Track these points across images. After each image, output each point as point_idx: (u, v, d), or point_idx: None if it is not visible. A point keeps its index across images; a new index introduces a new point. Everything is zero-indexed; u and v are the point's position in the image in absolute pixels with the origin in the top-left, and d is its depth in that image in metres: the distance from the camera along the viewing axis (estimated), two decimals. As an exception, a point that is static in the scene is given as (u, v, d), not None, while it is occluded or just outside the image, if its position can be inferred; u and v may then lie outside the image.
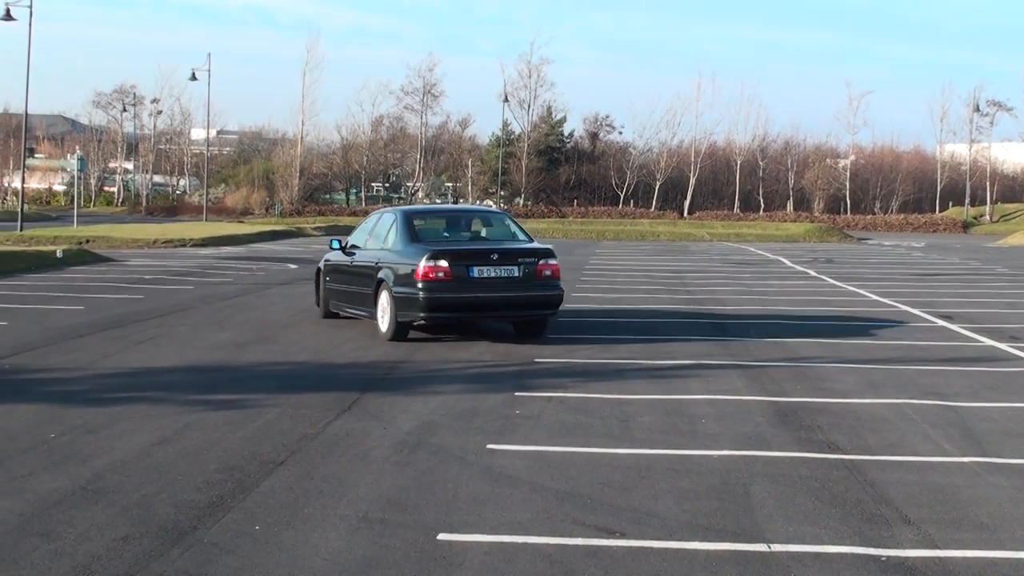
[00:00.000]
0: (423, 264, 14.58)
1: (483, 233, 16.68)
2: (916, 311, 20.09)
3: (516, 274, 15.01)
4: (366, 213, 71.76)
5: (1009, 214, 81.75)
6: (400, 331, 14.96)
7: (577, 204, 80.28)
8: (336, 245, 17.41)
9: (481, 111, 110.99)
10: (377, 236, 16.49)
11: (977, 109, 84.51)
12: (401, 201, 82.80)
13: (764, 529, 6.83)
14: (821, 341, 15.72)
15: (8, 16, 43.67)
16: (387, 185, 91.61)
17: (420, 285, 14.53)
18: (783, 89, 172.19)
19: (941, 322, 18.40)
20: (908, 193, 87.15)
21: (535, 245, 15.98)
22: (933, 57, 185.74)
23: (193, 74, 64.09)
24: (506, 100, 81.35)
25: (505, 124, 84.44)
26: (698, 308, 20.44)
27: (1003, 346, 15.41)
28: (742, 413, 10.41)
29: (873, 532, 6.80)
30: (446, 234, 16.51)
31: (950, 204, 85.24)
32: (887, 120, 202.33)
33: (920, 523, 6.99)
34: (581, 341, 15.45)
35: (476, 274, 14.81)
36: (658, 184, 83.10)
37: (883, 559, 6.31)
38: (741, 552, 6.41)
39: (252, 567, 6.04)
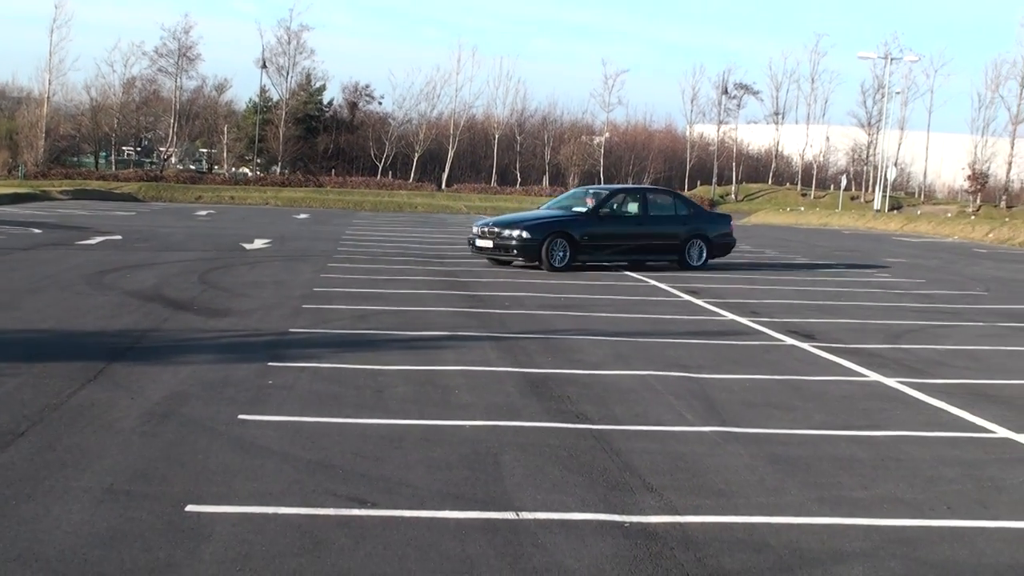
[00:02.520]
0: None
1: None
2: (663, 286, 20.73)
3: None
4: (116, 178, 69.94)
5: (753, 193, 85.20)
6: None
7: (335, 174, 79.68)
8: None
9: (238, 76, 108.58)
10: None
11: (725, 92, 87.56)
12: (154, 166, 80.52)
13: (513, 497, 6.96)
14: (573, 314, 16.07)
15: None
16: (139, 149, 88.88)
17: None
18: (542, 65, 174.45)
19: (687, 296, 19.04)
20: (659, 171, 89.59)
21: None
22: (686, 39, 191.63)
23: (-70, 26, 60.73)
24: (264, 66, 79.98)
25: (263, 90, 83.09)
26: (453, 280, 20.61)
27: (744, 320, 16.06)
28: (494, 384, 10.56)
29: (617, 499, 7.00)
30: None
31: (698, 183, 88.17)
32: (641, 99, 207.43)
33: (662, 490, 7.23)
34: (337, 312, 15.38)
35: None
36: (417, 156, 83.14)
37: (626, 525, 6.52)
38: (490, 520, 6.52)
39: (-12, 542, 5.83)
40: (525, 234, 23.23)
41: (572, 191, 27.76)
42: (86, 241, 26.81)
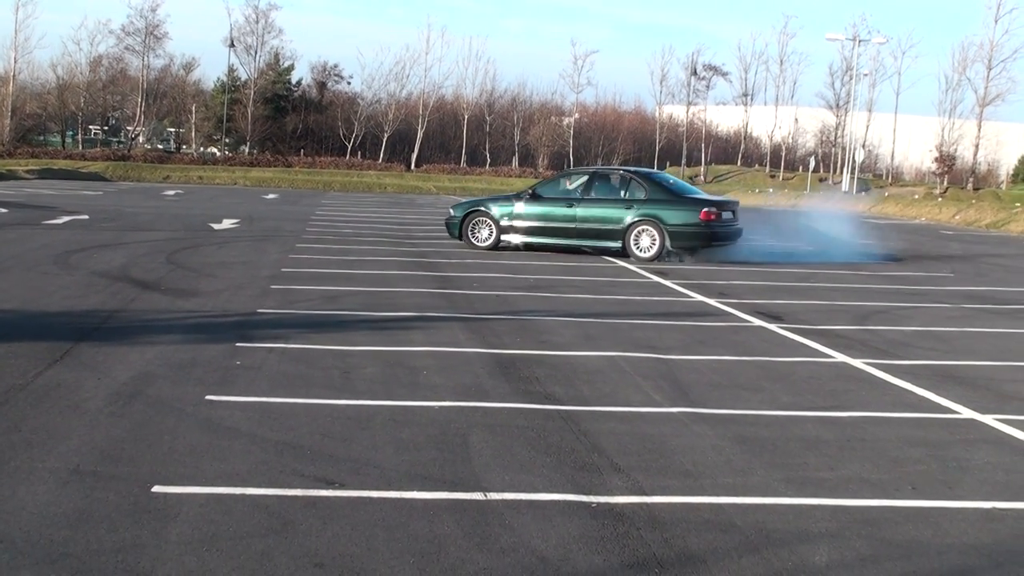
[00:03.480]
0: None
1: None
2: (632, 267, 20.76)
3: None
4: (83, 157, 69.38)
5: (722, 175, 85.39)
6: None
7: (304, 154, 79.37)
8: None
9: (206, 56, 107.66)
10: None
11: (695, 73, 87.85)
12: (121, 146, 79.94)
13: (481, 478, 6.96)
14: (542, 295, 16.07)
15: None
16: (106, 128, 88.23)
17: None
18: (512, 45, 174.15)
19: (655, 278, 19.08)
20: (628, 152, 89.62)
21: None
22: (655, 20, 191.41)
23: None
24: (232, 45, 79.57)
25: (231, 70, 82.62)
26: (422, 260, 20.59)
27: (712, 301, 16.11)
28: (463, 365, 10.56)
29: (585, 480, 7.02)
30: None
31: (668, 164, 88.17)
32: (610, 80, 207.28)
33: (629, 471, 7.25)
34: (305, 293, 15.33)
35: None
36: (386, 136, 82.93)
37: (593, 505, 6.53)
38: (458, 500, 6.52)
39: (-47, 523, 5.79)
40: (451, 212, 24.46)
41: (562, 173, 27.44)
42: (52, 221, 26.62)
